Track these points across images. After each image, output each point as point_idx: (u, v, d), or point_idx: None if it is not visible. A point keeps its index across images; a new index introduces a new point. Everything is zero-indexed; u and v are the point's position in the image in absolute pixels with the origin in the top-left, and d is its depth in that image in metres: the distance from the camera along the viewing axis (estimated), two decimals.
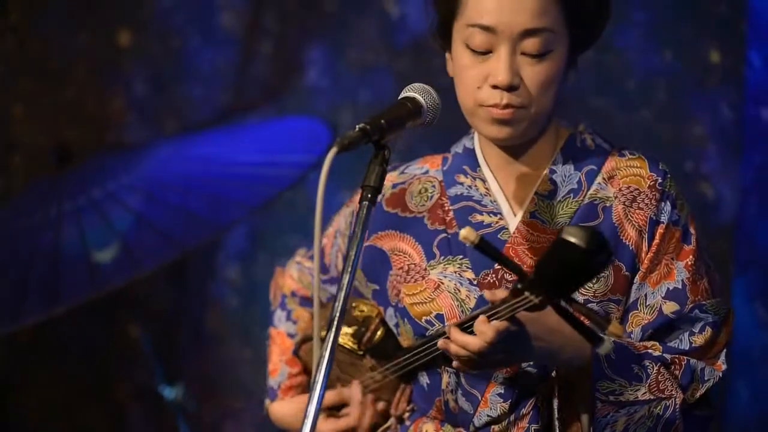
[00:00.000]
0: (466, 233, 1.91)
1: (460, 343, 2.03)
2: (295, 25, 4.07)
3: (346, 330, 2.34)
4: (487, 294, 2.04)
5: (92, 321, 4.27)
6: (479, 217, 2.25)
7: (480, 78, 2.15)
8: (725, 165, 3.49)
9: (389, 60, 3.90)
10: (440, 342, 2.08)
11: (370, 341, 2.33)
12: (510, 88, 2.13)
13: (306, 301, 2.53)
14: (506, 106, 2.14)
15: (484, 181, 2.28)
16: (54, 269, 3.38)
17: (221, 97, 4.19)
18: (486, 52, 2.15)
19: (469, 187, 2.28)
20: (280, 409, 2.51)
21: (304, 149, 3.59)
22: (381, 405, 2.35)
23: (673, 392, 2.15)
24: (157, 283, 4.20)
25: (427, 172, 2.36)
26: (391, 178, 2.37)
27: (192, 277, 4.29)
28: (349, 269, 1.95)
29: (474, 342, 2.01)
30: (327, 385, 2.38)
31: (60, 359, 4.42)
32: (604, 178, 2.24)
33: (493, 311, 2.00)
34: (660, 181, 2.23)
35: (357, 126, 2.00)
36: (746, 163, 3.43)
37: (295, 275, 2.55)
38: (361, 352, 2.33)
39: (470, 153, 2.32)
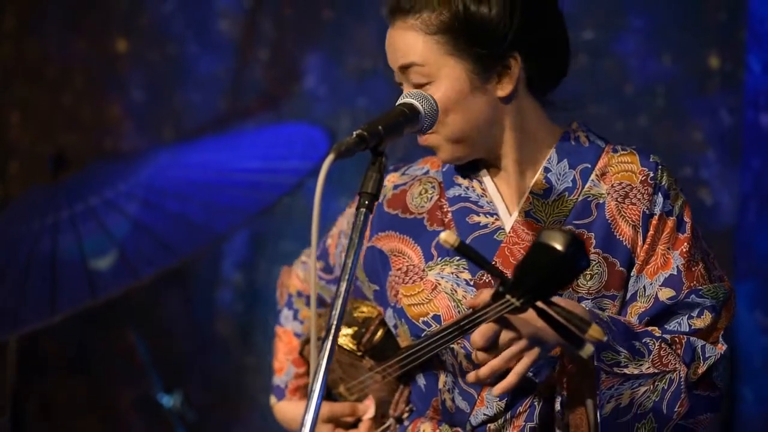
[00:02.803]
0: (445, 236, 1.90)
1: (479, 360, 2.06)
2: (293, 32, 4.06)
3: (347, 331, 2.34)
4: (468, 301, 2.06)
5: (90, 329, 4.26)
6: (476, 218, 2.26)
7: None
8: (724, 171, 3.48)
9: (387, 66, 3.88)
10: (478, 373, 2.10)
11: (369, 342, 2.33)
12: None
13: None
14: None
15: (480, 182, 2.29)
16: (51, 277, 3.38)
17: (219, 104, 4.18)
18: None
19: (467, 188, 2.29)
20: (287, 409, 2.53)
21: (302, 155, 3.59)
22: (388, 423, 2.36)
23: (677, 365, 2.14)
24: (158, 290, 4.19)
25: (427, 172, 2.37)
26: (392, 179, 2.39)
27: (193, 284, 4.28)
28: (346, 277, 1.95)
29: (475, 355, 2.06)
30: (329, 386, 2.40)
31: (58, 367, 4.41)
32: (597, 175, 2.25)
33: (478, 316, 2.00)
34: (652, 174, 2.24)
35: (354, 132, 2.01)
36: (745, 168, 3.43)
37: (301, 275, 2.56)
38: (360, 353, 2.33)
39: None
